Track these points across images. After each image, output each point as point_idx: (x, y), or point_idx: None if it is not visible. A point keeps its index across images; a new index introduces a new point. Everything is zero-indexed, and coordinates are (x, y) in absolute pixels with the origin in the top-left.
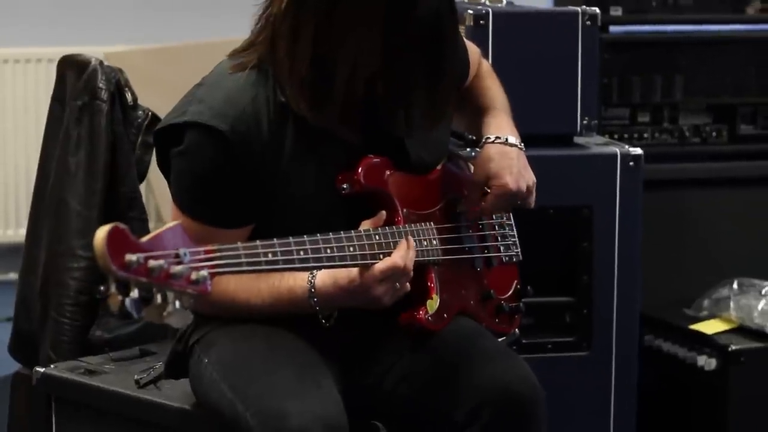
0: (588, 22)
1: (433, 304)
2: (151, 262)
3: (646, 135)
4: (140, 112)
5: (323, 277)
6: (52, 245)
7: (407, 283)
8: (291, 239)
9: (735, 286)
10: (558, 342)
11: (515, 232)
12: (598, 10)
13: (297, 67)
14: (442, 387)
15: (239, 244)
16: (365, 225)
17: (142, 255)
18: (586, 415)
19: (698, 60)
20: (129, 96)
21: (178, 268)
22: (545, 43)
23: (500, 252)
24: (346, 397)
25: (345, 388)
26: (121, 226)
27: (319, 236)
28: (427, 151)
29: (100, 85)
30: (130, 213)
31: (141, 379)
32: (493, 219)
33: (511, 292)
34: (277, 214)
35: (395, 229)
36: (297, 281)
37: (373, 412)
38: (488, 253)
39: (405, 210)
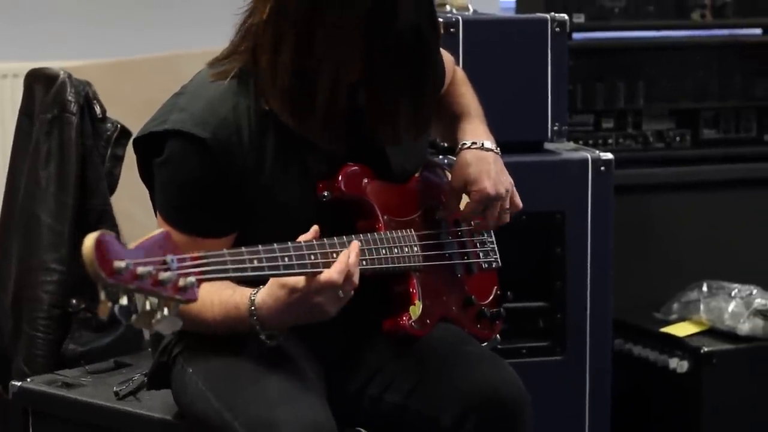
0: (557, 29)
1: (416, 309)
2: (140, 269)
3: (610, 141)
4: (109, 124)
5: (263, 295)
6: (24, 260)
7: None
8: (275, 245)
9: (704, 288)
10: (532, 347)
11: (494, 239)
12: (566, 17)
13: (279, 78)
14: (428, 393)
15: (225, 251)
16: (303, 239)
17: (130, 262)
18: (561, 419)
19: (660, 66)
20: (98, 108)
21: (166, 275)
22: (515, 50)
23: (479, 258)
24: (330, 405)
25: (329, 396)
26: (109, 233)
27: (303, 243)
28: (407, 158)
29: (69, 97)
30: (101, 226)
31: (120, 390)
32: (472, 225)
33: (491, 298)
34: (261, 223)
35: (377, 236)
36: (243, 297)
37: (357, 419)
38: (468, 259)
39: (385, 217)
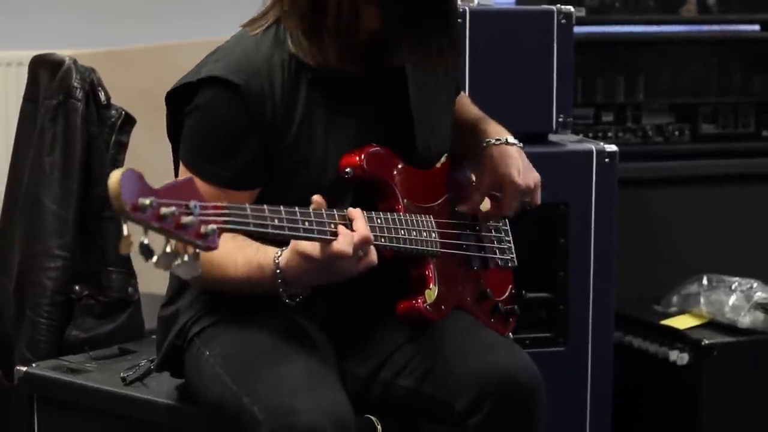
0: (563, 21)
1: (432, 294)
2: (163, 209)
3: (609, 134)
4: (113, 111)
5: (285, 259)
6: (28, 246)
7: (373, 255)
8: (297, 209)
9: (704, 281)
10: (535, 338)
11: (511, 238)
12: (572, 9)
13: (298, 3)
14: (442, 376)
15: (247, 206)
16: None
17: (155, 200)
18: (563, 410)
19: (660, 60)
20: (102, 95)
21: (188, 219)
22: (521, 41)
23: (496, 255)
24: None
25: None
26: (136, 170)
27: (323, 210)
28: (434, 140)
29: (75, 84)
30: (105, 213)
31: (128, 376)
32: (498, 222)
33: (506, 295)
34: (283, 179)
35: (396, 216)
36: (267, 258)
37: (367, 405)
38: (485, 254)
39: (406, 200)
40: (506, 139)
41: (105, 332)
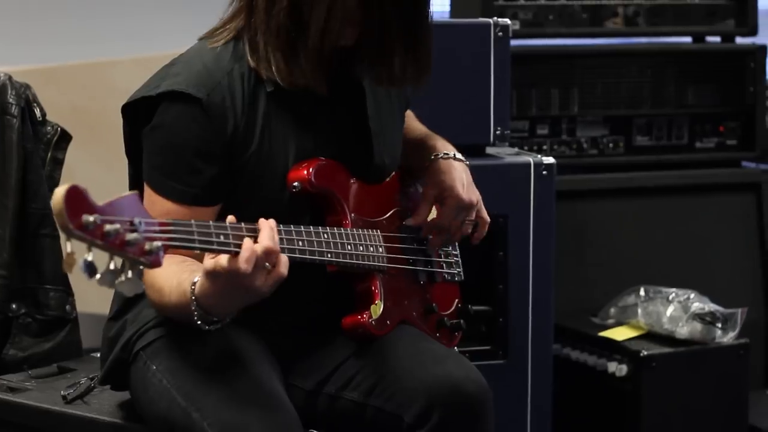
0: (500, 33)
1: (377, 309)
2: (108, 226)
3: (545, 147)
4: (49, 127)
5: (199, 283)
6: None
7: (282, 267)
8: (243, 225)
9: (642, 293)
10: (474, 351)
11: (458, 252)
12: (509, 21)
13: (275, 17)
14: (391, 388)
15: (192, 222)
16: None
17: (99, 217)
18: (503, 423)
19: (594, 73)
20: (38, 111)
21: (132, 236)
22: (458, 54)
23: (443, 269)
24: None
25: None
26: (81, 186)
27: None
28: (388, 154)
29: (10, 100)
30: (42, 230)
31: (68, 394)
32: (431, 238)
33: (452, 310)
34: (244, 193)
35: (343, 231)
36: (188, 285)
37: (312, 419)
38: (431, 268)
39: (353, 215)
40: (453, 154)
41: (43, 351)
